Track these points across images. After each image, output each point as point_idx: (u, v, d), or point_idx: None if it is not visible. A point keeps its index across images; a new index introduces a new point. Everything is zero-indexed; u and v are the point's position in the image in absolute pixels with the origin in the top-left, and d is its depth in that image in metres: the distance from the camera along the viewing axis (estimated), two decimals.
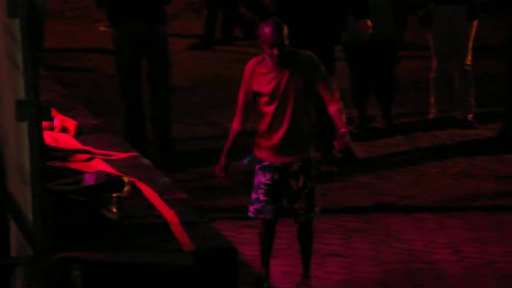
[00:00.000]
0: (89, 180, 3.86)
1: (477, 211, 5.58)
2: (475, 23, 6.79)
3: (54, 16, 9.62)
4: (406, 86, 7.52)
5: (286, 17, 4.82)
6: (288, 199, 4.51)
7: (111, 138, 4.71)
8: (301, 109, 4.45)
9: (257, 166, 4.51)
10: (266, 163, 4.48)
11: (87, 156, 4.34)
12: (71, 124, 4.72)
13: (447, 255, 5.03)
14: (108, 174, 3.96)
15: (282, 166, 4.46)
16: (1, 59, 3.06)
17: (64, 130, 4.69)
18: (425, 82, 7.10)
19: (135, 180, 4.04)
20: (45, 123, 4.15)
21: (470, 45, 6.79)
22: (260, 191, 4.47)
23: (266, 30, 4.37)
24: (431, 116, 6.94)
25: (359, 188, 5.91)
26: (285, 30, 4.38)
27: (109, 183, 3.84)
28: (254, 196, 4.51)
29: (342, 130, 4.40)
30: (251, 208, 4.53)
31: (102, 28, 9.13)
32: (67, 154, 4.34)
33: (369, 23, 6.15)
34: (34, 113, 2.83)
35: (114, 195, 3.75)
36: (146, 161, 4.42)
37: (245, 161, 4.55)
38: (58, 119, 4.73)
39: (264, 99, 4.45)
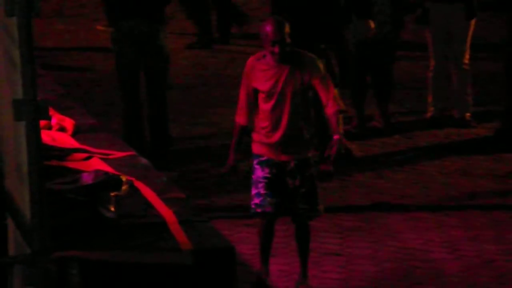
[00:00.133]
0: (87, 179, 3.86)
1: (475, 210, 5.58)
2: (473, 21, 6.80)
3: (52, 15, 9.61)
4: (404, 85, 7.52)
5: (285, 13, 4.83)
6: (286, 198, 4.50)
7: (108, 137, 4.71)
8: (299, 108, 4.45)
9: (255, 161, 4.51)
10: (264, 158, 4.48)
11: (85, 155, 4.34)
12: (69, 123, 4.72)
13: (445, 254, 5.03)
14: (106, 173, 3.96)
15: (280, 163, 4.47)
16: None
17: (62, 129, 4.69)
18: (423, 81, 7.10)
19: (133, 179, 4.04)
20: (42, 122, 4.16)
21: (468, 44, 6.79)
22: (260, 185, 4.47)
23: (268, 27, 4.38)
24: (428, 115, 6.95)
25: (357, 187, 5.91)
26: (287, 28, 4.38)
27: (107, 182, 3.84)
28: (254, 191, 4.51)
29: (336, 137, 4.40)
30: (252, 204, 4.52)
31: (100, 28, 9.13)
32: (65, 153, 4.34)
33: (372, 24, 6.16)
34: (31, 112, 2.83)
35: (112, 194, 3.75)
36: (144, 160, 4.42)
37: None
38: (56, 118, 4.73)
39: (262, 96, 4.46)
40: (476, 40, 6.96)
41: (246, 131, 4.57)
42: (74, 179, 3.90)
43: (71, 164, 4.21)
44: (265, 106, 4.46)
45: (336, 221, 5.39)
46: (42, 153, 2.90)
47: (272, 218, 4.53)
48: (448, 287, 4.70)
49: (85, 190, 3.79)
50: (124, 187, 3.87)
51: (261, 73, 4.43)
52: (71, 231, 3.55)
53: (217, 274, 3.52)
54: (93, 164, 4.22)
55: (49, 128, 4.65)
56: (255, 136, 4.53)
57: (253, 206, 4.50)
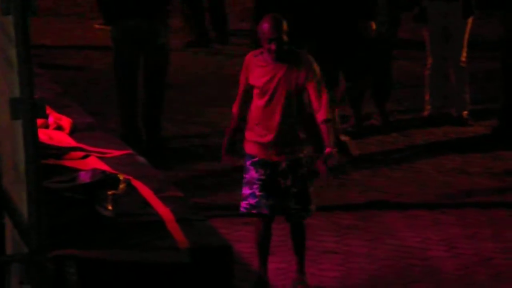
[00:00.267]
0: (84, 177, 3.86)
1: (472, 208, 5.58)
2: (471, 19, 6.80)
3: (48, 14, 9.60)
4: (401, 83, 7.52)
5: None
6: (279, 197, 4.49)
7: (106, 135, 4.71)
8: (292, 108, 4.44)
9: (248, 162, 4.50)
10: (257, 159, 4.47)
11: (82, 154, 4.34)
12: (66, 122, 4.72)
13: (442, 252, 5.03)
14: (103, 171, 3.96)
15: (272, 163, 4.46)
16: None
17: (59, 128, 4.69)
18: (420, 79, 7.10)
19: (131, 177, 4.04)
20: (39, 121, 4.16)
21: (466, 42, 6.80)
22: (255, 186, 4.46)
23: (265, 25, 4.38)
24: (426, 113, 6.95)
25: (354, 185, 5.91)
26: (285, 26, 4.38)
27: (105, 181, 3.84)
28: (247, 191, 4.49)
29: (328, 150, 4.39)
30: (243, 204, 4.50)
31: (97, 26, 9.12)
32: (62, 152, 4.34)
33: (373, 25, 6.18)
34: (28, 110, 2.82)
35: (109, 192, 3.75)
36: (141, 158, 4.42)
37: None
38: (53, 117, 4.73)
39: (256, 91, 4.46)
40: (473, 38, 6.96)
41: (240, 126, 4.57)
42: (71, 178, 3.90)
43: (68, 163, 4.21)
44: (259, 102, 4.46)
45: (333, 219, 5.39)
46: (39, 152, 2.89)
47: (269, 219, 4.52)
48: (445, 285, 4.70)
49: (82, 188, 3.79)
50: (121, 186, 3.87)
51: (258, 69, 4.43)
52: (68, 229, 3.55)
53: (215, 273, 3.52)
54: (90, 163, 4.22)
55: (46, 126, 4.65)
56: (248, 134, 4.52)
57: (247, 206, 4.49)
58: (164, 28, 6.17)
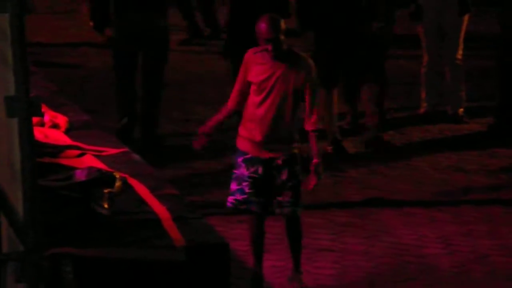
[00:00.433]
0: (80, 176, 3.86)
1: (468, 205, 5.59)
2: (466, 17, 6.80)
3: (44, 12, 9.58)
4: (397, 80, 7.52)
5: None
6: (273, 192, 4.49)
7: (102, 134, 4.70)
8: (287, 107, 4.43)
9: (240, 159, 4.49)
10: (249, 156, 4.47)
11: (78, 152, 4.34)
12: (61, 120, 4.71)
13: (438, 249, 5.04)
14: (99, 170, 3.95)
15: (265, 160, 4.45)
16: None
17: (54, 126, 4.68)
18: (416, 77, 7.11)
19: (127, 176, 4.03)
20: (35, 119, 4.15)
21: (461, 39, 6.80)
22: (245, 183, 4.45)
23: (262, 25, 4.37)
24: (422, 110, 6.95)
25: (350, 183, 5.91)
26: (282, 26, 4.37)
27: (100, 179, 3.83)
28: (234, 187, 4.48)
29: (315, 161, 4.41)
30: (230, 199, 4.50)
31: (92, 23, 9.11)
32: (57, 150, 4.33)
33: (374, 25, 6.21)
34: (24, 109, 2.82)
35: (105, 191, 3.75)
36: (137, 156, 4.41)
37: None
38: (49, 115, 4.72)
39: (253, 88, 4.45)
40: (469, 35, 6.97)
41: (231, 116, 4.56)
42: (67, 176, 3.89)
43: (64, 161, 4.21)
44: (255, 99, 4.45)
45: (329, 217, 5.39)
46: (35, 150, 2.89)
47: (260, 217, 4.51)
48: (441, 282, 4.70)
49: (78, 187, 3.79)
50: (117, 184, 3.86)
51: (256, 66, 4.43)
52: (64, 228, 3.55)
53: (211, 270, 3.52)
54: (86, 161, 4.21)
55: (42, 125, 4.64)
56: (241, 131, 4.52)
57: (233, 201, 4.47)
58: (166, 23, 6.17)
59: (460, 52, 6.82)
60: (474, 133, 6.71)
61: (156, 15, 6.10)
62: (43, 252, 2.92)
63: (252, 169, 4.45)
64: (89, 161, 4.22)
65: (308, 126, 4.45)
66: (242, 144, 4.50)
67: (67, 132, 4.63)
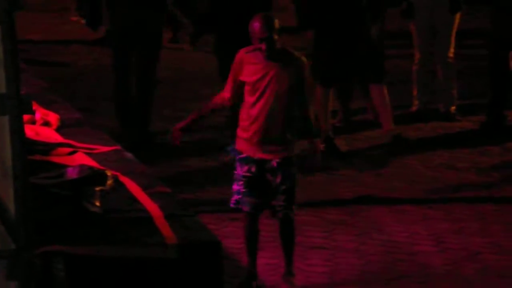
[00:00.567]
0: (71, 173, 3.85)
1: (460, 202, 5.60)
2: (458, 15, 6.81)
3: (36, 9, 9.56)
4: (389, 78, 7.53)
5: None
6: (267, 194, 4.49)
7: (93, 131, 4.69)
8: (281, 107, 4.42)
9: (237, 157, 4.51)
10: (244, 155, 4.47)
11: (69, 149, 4.33)
12: (53, 117, 4.70)
13: (430, 247, 5.05)
14: (90, 167, 3.94)
15: (259, 161, 4.45)
16: None
17: (46, 123, 4.67)
18: (408, 75, 7.12)
19: (118, 173, 4.03)
20: (26, 117, 4.13)
21: (453, 37, 6.81)
22: (240, 182, 4.46)
23: (255, 24, 4.35)
24: (414, 108, 6.96)
25: (342, 180, 5.92)
26: (276, 25, 4.36)
27: (92, 177, 3.82)
28: (235, 187, 4.51)
29: (313, 139, 4.41)
30: (232, 199, 4.53)
31: (74, 19, 9.10)
32: (49, 147, 4.32)
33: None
34: (15, 106, 2.81)
35: (97, 188, 3.74)
36: (129, 154, 4.40)
37: (230, 151, 4.55)
38: (40, 112, 4.71)
39: (247, 88, 4.44)
40: (461, 33, 6.98)
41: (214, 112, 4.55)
42: (58, 174, 3.88)
43: (55, 159, 4.20)
44: (249, 99, 4.45)
45: (321, 215, 5.40)
46: (26, 148, 2.88)
47: (253, 216, 4.51)
48: (433, 279, 4.71)
49: (69, 184, 3.78)
50: (109, 182, 3.85)
51: (249, 66, 4.41)
52: (55, 225, 3.54)
53: (204, 268, 3.52)
54: (78, 159, 4.20)
55: (33, 122, 4.63)
56: (238, 131, 4.52)
57: (234, 201, 4.50)
58: (162, 19, 6.16)
59: (452, 50, 6.83)
60: (465, 131, 6.73)
61: (149, 11, 6.10)
62: (35, 250, 2.91)
63: (245, 168, 4.45)
64: (81, 159, 4.21)
65: (308, 136, 4.45)
66: (238, 143, 4.50)
67: (59, 130, 4.62)
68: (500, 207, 5.53)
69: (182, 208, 3.87)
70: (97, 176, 3.84)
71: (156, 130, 6.48)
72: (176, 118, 6.89)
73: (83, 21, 9.14)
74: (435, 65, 6.90)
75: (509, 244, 5.05)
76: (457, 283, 4.66)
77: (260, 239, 4.61)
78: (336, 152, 6.27)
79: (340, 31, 6.08)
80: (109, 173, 3.91)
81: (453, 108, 6.92)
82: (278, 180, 4.45)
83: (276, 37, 4.34)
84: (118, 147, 4.47)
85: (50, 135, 4.50)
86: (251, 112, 4.43)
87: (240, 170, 4.46)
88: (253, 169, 4.44)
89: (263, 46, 4.34)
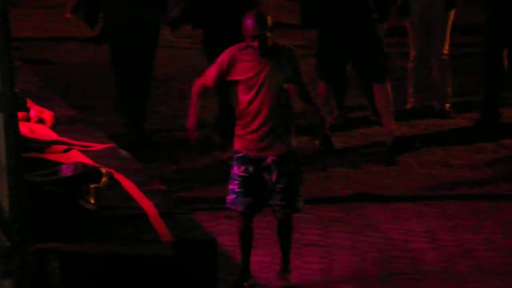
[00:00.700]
0: (66, 171, 3.85)
1: (454, 200, 5.61)
2: (453, 12, 6.82)
3: (30, 6, 9.54)
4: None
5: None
6: (265, 194, 4.48)
7: (88, 129, 4.69)
8: (277, 103, 4.41)
9: (234, 157, 4.50)
10: (241, 154, 4.45)
11: (64, 147, 4.32)
12: (47, 115, 4.70)
13: (424, 244, 5.06)
14: (85, 165, 3.94)
15: (256, 159, 4.44)
16: None
17: (40, 121, 4.66)
18: (403, 72, 7.12)
19: (113, 171, 4.02)
20: (21, 114, 4.13)
21: (448, 35, 6.82)
22: (235, 182, 4.44)
23: (248, 21, 4.33)
24: (408, 105, 6.97)
25: (337, 178, 5.93)
26: (269, 22, 4.35)
27: (87, 174, 3.82)
28: (230, 187, 4.49)
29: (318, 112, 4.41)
30: (227, 199, 4.51)
31: (68, 16, 9.08)
32: (44, 145, 4.32)
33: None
34: (9, 103, 2.80)
35: (91, 186, 3.74)
36: (124, 152, 4.40)
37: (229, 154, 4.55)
38: (35, 110, 4.70)
39: (241, 87, 4.43)
40: (455, 30, 6.98)
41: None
42: (53, 171, 3.88)
43: (50, 156, 4.19)
44: (244, 98, 4.44)
45: (316, 212, 5.40)
46: (20, 145, 2.88)
47: (248, 216, 4.50)
48: (428, 276, 4.72)
49: (64, 182, 3.78)
50: (103, 179, 3.85)
51: (242, 64, 4.40)
52: (50, 223, 3.54)
53: (199, 266, 3.52)
54: (73, 156, 4.20)
55: (28, 120, 4.62)
56: (236, 130, 4.51)
57: (228, 201, 4.49)
58: (161, 16, 6.16)
59: (447, 47, 6.84)
60: (460, 128, 6.74)
61: (146, 8, 6.10)
62: (29, 248, 2.91)
63: (242, 168, 4.43)
64: (75, 156, 4.20)
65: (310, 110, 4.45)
66: (236, 142, 4.49)
67: (53, 127, 4.62)
68: (495, 204, 5.55)
69: (177, 206, 3.87)
70: (92, 174, 3.83)
71: (152, 127, 6.48)
72: (172, 116, 6.90)
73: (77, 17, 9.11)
74: (430, 62, 6.91)
75: (503, 241, 5.07)
76: (452, 280, 4.67)
77: (254, 236, 4.61)
78: (330, 149, 6.27)
79: (342, 30, 6.06)
80: (104, 170, 3.90)
81: (447, 105, 6.93)
82: (274, 178, 4.43)
83: (269, 34, 4.33)
84: (113, 144, 4.47)
85: (45, 133, 4.50)
86: (248, 111, 4.42)
87: (237, 170, 4.45)
88: (251, 169, 4.43)
89: (256, 44, 4.32)
